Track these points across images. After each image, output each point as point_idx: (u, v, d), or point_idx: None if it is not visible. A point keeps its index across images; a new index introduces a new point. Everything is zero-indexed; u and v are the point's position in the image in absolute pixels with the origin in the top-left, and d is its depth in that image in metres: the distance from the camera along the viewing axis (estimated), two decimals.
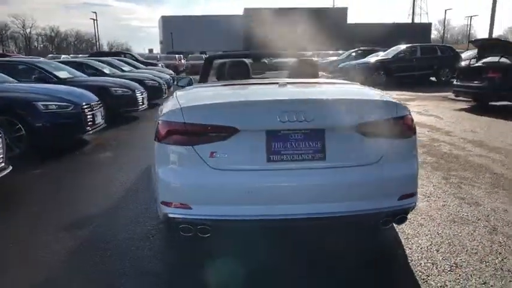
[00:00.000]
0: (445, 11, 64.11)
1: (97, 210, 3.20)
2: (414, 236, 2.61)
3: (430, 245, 2.50)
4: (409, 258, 2.35)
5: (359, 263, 2.33)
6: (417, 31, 44.77)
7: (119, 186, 3.75)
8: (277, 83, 2.62)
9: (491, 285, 2.07)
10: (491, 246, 2.48)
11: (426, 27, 48.32)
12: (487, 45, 9.39)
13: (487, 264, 2.27)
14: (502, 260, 2.32)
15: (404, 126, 2.22)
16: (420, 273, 2.18)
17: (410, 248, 2.46)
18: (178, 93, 2.63)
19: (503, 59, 8.57)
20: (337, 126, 2.10)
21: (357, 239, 2.62)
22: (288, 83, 2.65)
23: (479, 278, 2.14)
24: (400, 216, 2.20)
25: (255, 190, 2.04)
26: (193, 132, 2.08)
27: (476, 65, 9.46)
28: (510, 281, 2.10)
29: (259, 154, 2.06)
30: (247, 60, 4.00)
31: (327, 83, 3.12)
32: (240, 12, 48.38)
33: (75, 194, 3.66)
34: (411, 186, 2.23)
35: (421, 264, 2.28)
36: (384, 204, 2.13)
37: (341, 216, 2.09)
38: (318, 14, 43.31)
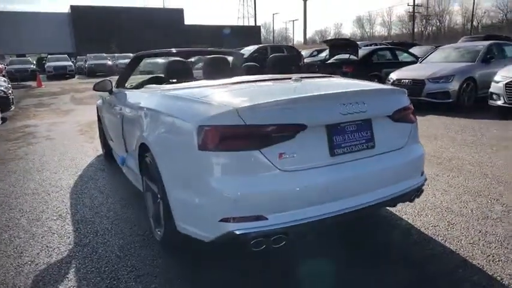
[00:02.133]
0: (273, 15, 71.42)
1: None
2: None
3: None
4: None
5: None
6: (249, 33, 48.52)
7: None
8: (289, 78, 2.55)
9: None
10: None
11: (256, 30, 52.99)
12: (337, 44, 10.96)
13: None
14: None
15: (413, 112, 2.48)
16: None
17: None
18: (206, 96, 2.19)
19: (352, 56, 10.21)
20: (380, 115, 2.21)
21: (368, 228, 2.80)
22: (302, 77, 2.60)
23: None
24: (421, 190, 2.45)
25: (327, 187, 1.97)
26: (259, 135, 1.86)
27: (331, 61, 10.99)
28: None
29: (322, 149, 2.00)
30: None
31: (323, 77, 3.03)
32: (66, 10, 43.21)
33: None
34: (423, 163, 2.51)
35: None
36: (415, 182, 2.35)
37: (392, 198, 2.20)
38: (152, 14, 42.25)
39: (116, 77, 4.11)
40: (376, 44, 15.78)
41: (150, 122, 2.42)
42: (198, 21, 49.51)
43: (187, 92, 2.42)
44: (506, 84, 6.53)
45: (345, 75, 9.91)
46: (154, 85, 3.13)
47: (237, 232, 1.84)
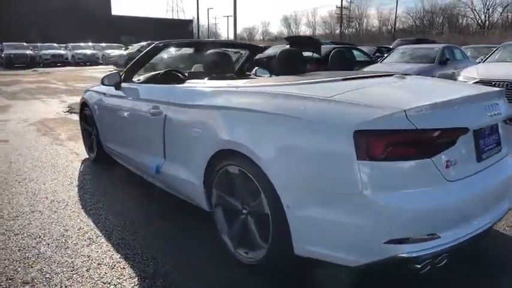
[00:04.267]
0: (208, 9, 69.49)
1: None
2: None
3: None
4: None
5: None
6: (180, 26, 46.93)
7: None
8: (390, 75, 2.31)
9: None
10: None
11: (187, 23, 51.41)
12: (299, 42, 10.91)
13: None
14: None
15: None
16: None
17: None
18: (347, 95, 1.82)
19: (315, 54, 10.24)
20: (504, 117, 2.08)
21: None
22: (403, 75, 2.37)
23: None
24: None
25: (484, 195, 1.80)
26: (430, 141, 1.60)
27: (259, 57, 10.93)
28: None
29: (472, 155, 1.81)
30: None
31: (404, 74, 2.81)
32: None
33: None
34: None
35: None
36: None
37: None
38: (74, 3, 38.75)
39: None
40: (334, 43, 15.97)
41: (250, 126, 1.99)
42: (125, 12, 46.43)
43: (305, 89, 2.04)
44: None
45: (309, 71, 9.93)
46: (214, 81, 2.66)
47: (407, 255, 1.56)
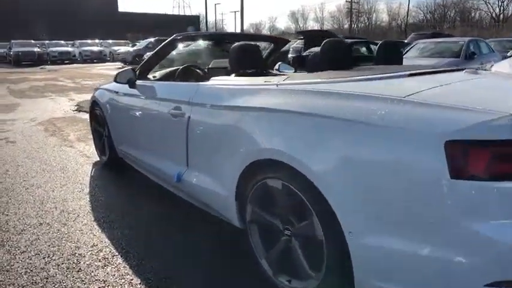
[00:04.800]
0: (215, 5, 68.80)
1: None
2: None
3: None
4: None
5: None
6: (187, 23, 46.60)
7: None
8: (459, 70, 1.96)
9: None
10: None
11: (194, 19, 51.09)
12: (314, 36, 10.55)
13: None
14: None
15: None
16: None
17: None
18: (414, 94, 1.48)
19: None
20: None
21: None
22: (476, 69, 2.02)
23: None
24: None
25: None
26: None
27: (307, 53, 10.54)
28: None
29: None
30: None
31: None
32: None
33: None
34: None
35: None
36: None
37: None
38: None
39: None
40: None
41: (298, 133, 1.65)
42: (131, 9, 46.01)
43: (367, 87, 1.67)
44: None
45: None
46: (245, 78, 2.33)
47: None
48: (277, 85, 1.93)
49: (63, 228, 2.54)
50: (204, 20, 44.21)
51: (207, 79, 2.47)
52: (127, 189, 3.30)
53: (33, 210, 2.83)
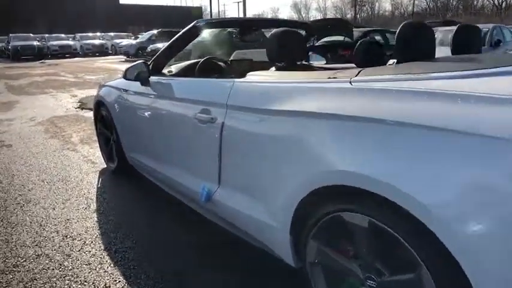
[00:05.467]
0: None
1: None
2: None
3: None
4: None
5: None
6: (189, 14, 45.75)
7: None
8: None
9: None
10: None
11: (197, 11, 50.19)
12: (328, 25, 9.97)
13: None
14: None
15: None
16: None
17: None
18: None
19: (347, 39, 9.28)
20: None
21: None
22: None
23: None
24: None
25: None
26: None
27: (320, 43, 9.97)
28: None
29: None
30: None
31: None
32: None
33: None
34: None
35: None
36: None
37: None
38: None
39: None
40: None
41: (397, 151, 1.13)
42: (133, 1, 45.04)
43: (480, 85, 1.13)
44: None
45: (342, 58, 9.00)
46: (293, 73, 1.82)
47: None
48: (350, 82, 1.42)
49: (66, 262, 2.05)
50: (208, 11, 43.43)
51: (241, 74, 1.95)
52: (141, 203, 2.80)
53: (30, 236, 2.34)
